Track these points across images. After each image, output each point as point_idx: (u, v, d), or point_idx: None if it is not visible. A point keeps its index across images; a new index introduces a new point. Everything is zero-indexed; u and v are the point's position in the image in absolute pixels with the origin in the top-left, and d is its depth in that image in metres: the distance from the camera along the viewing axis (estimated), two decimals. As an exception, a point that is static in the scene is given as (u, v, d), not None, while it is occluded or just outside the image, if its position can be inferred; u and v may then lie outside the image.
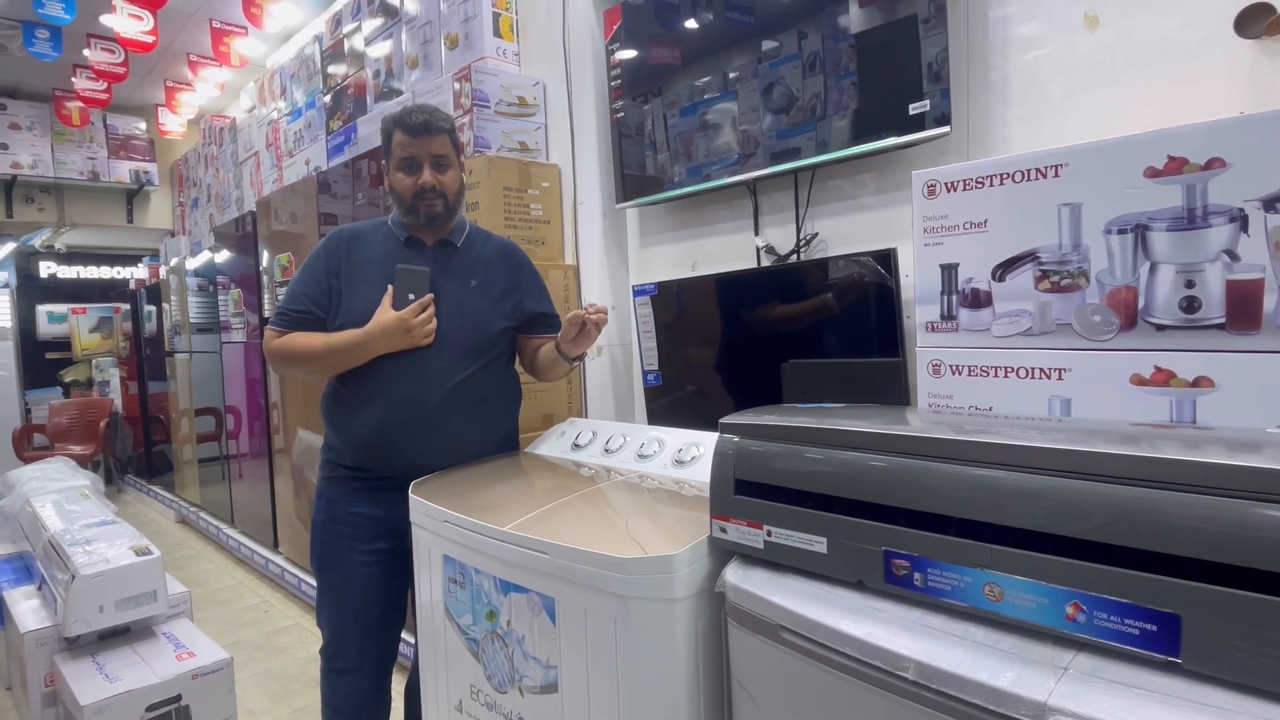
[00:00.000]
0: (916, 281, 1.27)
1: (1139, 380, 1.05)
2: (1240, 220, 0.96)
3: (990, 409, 1.19)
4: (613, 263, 2.40)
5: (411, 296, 1.45)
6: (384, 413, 1.45)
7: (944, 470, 0.79)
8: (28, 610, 2.03)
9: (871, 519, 0.84)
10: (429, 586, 1.33)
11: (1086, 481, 0.69)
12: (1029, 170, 1.14)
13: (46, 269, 7.02)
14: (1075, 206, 1.10)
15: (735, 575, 0.96)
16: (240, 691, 2.13)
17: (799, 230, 1.91)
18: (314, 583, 1.60)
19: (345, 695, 1.55)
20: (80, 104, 5.15)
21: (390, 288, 1.45)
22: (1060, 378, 1.12)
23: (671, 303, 2.05)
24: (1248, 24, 1.21)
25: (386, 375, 1.45)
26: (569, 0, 2.35)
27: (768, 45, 1.81)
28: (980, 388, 1.21)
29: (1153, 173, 1.02)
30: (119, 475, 6.15)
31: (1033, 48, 1.50)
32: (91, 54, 4.46)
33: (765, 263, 1.98)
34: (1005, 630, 0.74)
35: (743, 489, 0.97)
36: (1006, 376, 1.18)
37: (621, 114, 2.21)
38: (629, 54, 2.17)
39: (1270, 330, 0.95)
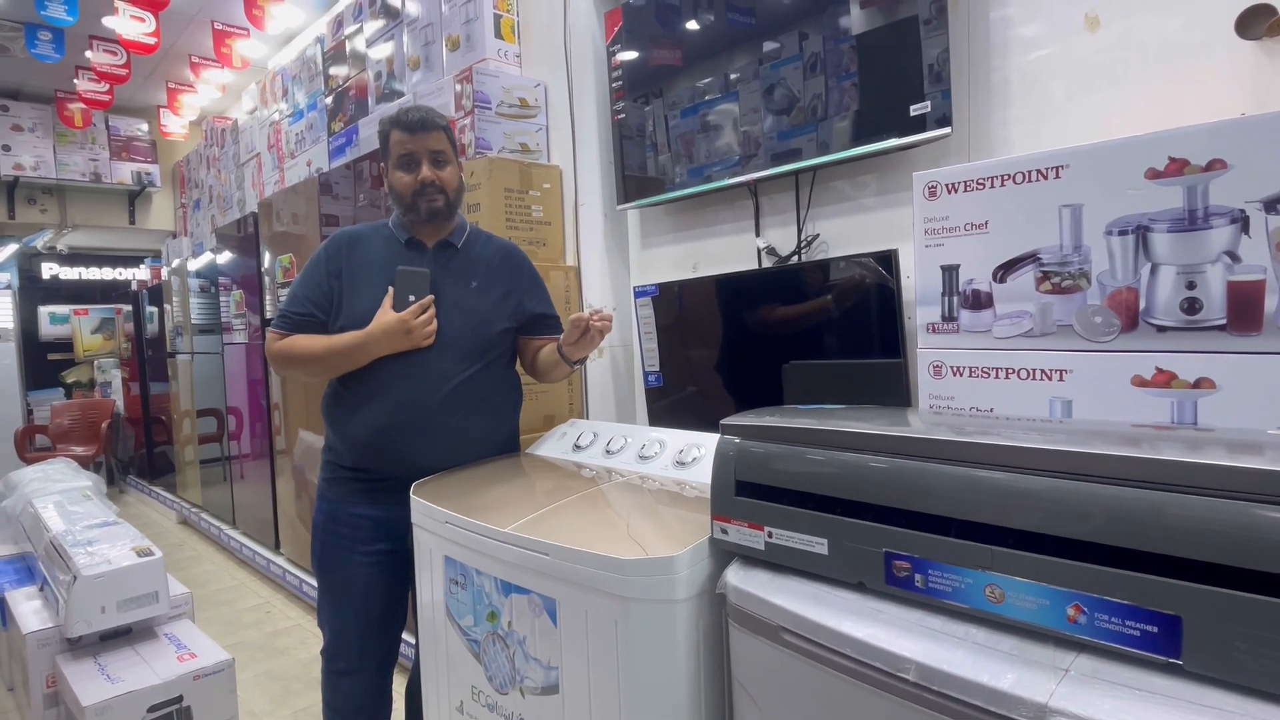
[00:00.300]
0: (917, 283, 1.27)
1: (1140, 381, 1.05)
2: (1241, 221, 0.96)
3: (991, 410, 1.19)
4: (614, 264, 2.40)
5: (412, 298, 1.45)
6: (385, 414, 1.45)
7: (945, 472, 0.79)
8: (30, 611, 2.03)
9: (872, 520, 0.84)
10: (430, 587, 1.33)
11: (1088, 483, 0.69)
12: (1030, 171, 1.14)
13: (49, 270, 7.03)
14: (1076, 208, 1.10)
15: (736, 576, 0.96)
16: (241, 692, 2.13)
17: (800, 231, 1.91)
18: (315, 584, 1.60)
19: (346, 696, 1.55)
20: (82, 105, 5.16)
21: (391, 289, 1.45)
22: (1061, 379, 1.12)
23: (672, 304, 2.05)
24: (1249, 25, 1.21)
25: (387, 376, 1.45)
26: (570, 2, 2.35)
27: (769, 46, 1.82)
28: (981, 389, 1.21)
29: (1154, 174, 1.02)
30: (121, 476, 6.15)
31: (1034, 48, 1.50)
32: (94, 55, 4.48)
33: (766, 264, 1.98)
34: (1006, 632, 0.73)
35: (744, 490, 0.97)
36: (1007, 378, 1.18)
37: (622, 115, 2.21)
38: (630, 55, 2.17)
39: (1271, 331, 0.95)
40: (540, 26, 2.51)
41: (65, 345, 6.76)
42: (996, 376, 1.19)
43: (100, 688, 1.73)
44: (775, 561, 0.94)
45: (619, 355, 2.39)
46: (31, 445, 5.55)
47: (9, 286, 6.12)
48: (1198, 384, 1.00)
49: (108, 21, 4.11)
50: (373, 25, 3.14)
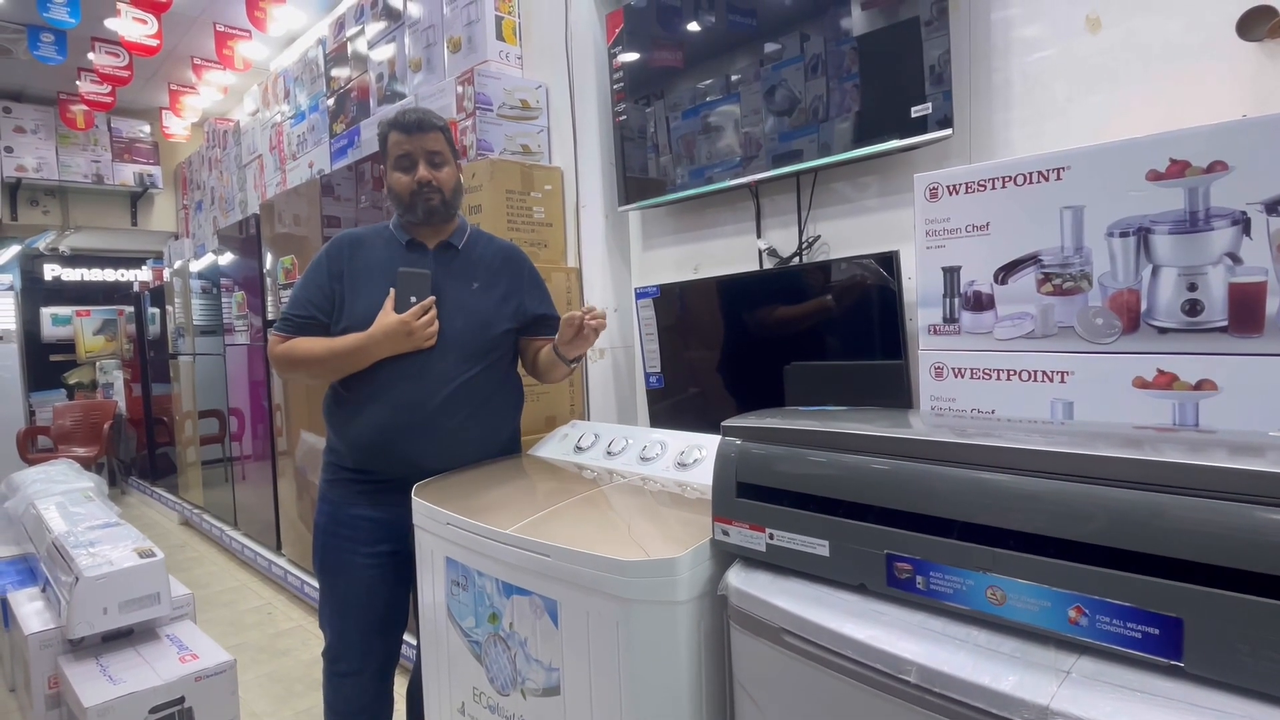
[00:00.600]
0: (919, 284, 1.27)
1: (1141, 383, 1.04)
2: (1242, 223, 0.96)
3: (993, 412, 1.19)
4: (615, 265, 2.40)
5: (413, 299, 1.45)
6: (386, 415, 1.45)
7: (946, 473, 0.79)
8: (32, 612, 2.03)
9: (874, 522, 0.84)
10: (431, 589, 1.33)
11: (1089, 485, 0.69)
12: (1031, 173, 1.14)
13: (51, 272, 7.03)
14: (1077, 209, 1.10)
15: (737, 578, 0.96)
16: (243, 694, 2.13)
17: (801, 233, 1.91)
18: (316, 585, 1.60)
19: (348, 698, 1.55)
20: (84, 107, 5.17)
21: (393, 291, 1.46)
22: (1063, 381, 1.12)
23: (674, 305, 2.05)
24: (1250, 26, 1.21)
25: (388, 377, 1.45)
26: (571, 3, 2.36)
27: (770, 48, 1.82)
28: (982, 390, 1.21)
29: (1155, 175, 1.02)
30: (122, 477, 6.16)
31: (1035, 50, 1.50)
32: (96, 57, 4.48)
33: (768, 265, 1.98)
34: (1008, 634, 0.73)
35: (745, 492, 0.97)
36: (1009, 379, 1.18)
37: (624, 117, 2.21)
38: (631, 57, 2.18)
39: (1273, 333, 0.95)
40: (541, 28, 2.51)
41: (67, 346, 6.76)
42: (998, 378, 1.19)
43: (102, 689, 1.73)
44: (776, 563, 0.94)
45: (620, 356, 2.39)
46: (33, 446, 5.56)
47: (11, 288, 6.13)
48: (1199, 386, 1.00)
49: (110, 23, 4.12)
50: (374, 27, 3.15)
